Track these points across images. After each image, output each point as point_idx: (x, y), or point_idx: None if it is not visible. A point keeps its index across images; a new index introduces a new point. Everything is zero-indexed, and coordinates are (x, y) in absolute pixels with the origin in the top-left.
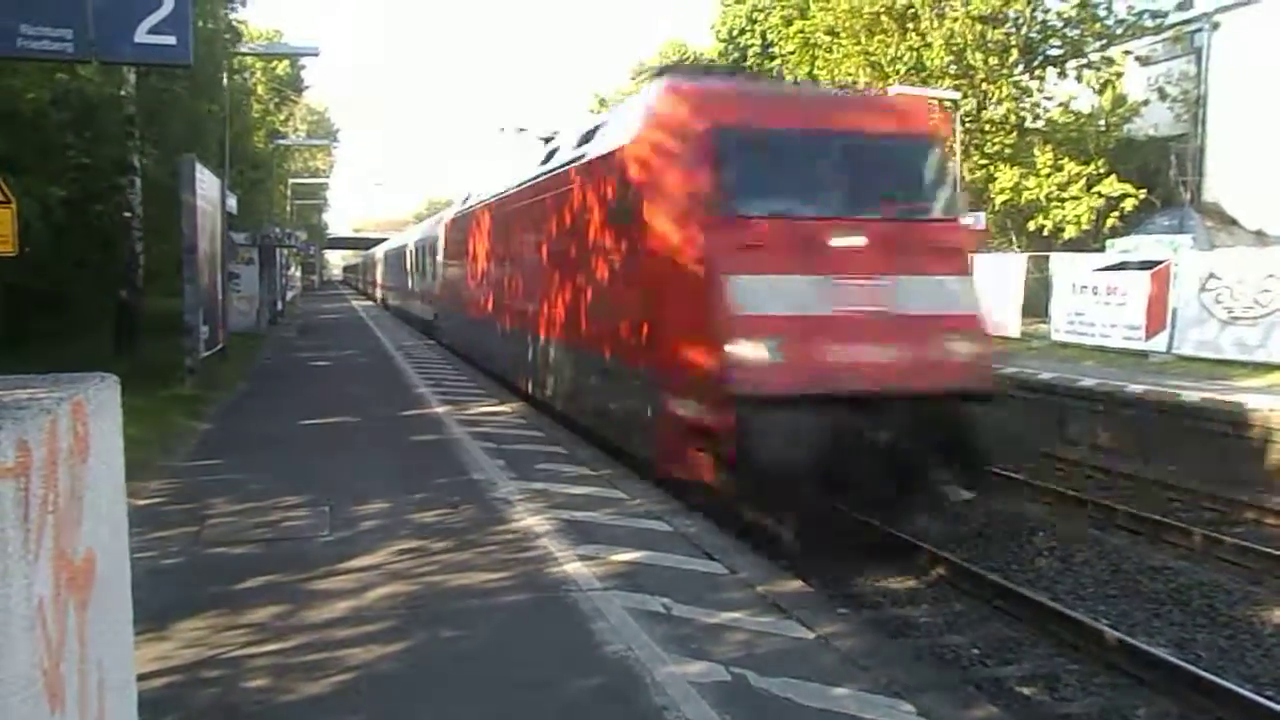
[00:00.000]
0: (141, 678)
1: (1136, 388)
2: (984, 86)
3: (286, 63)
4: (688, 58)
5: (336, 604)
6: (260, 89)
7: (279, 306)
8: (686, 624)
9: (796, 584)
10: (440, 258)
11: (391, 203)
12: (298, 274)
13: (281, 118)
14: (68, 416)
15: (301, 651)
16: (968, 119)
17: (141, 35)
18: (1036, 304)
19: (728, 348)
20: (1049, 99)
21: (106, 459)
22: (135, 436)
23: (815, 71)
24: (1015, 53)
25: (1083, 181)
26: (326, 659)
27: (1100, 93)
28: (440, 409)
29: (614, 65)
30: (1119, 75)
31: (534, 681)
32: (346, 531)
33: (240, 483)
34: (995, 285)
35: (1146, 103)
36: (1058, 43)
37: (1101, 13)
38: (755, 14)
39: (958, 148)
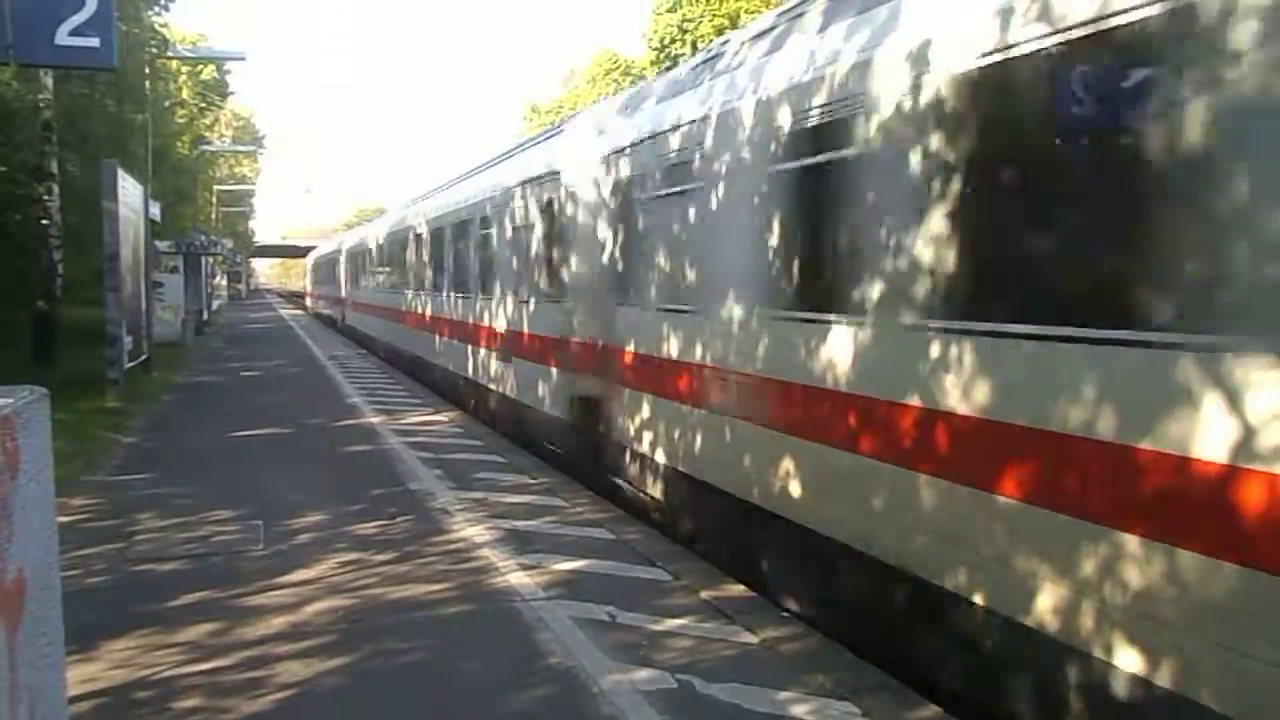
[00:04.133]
0: (69, 701)
1: None
2: None
3: (212, 67)
4: (619, 66)
5: (273, 619)
6: (185, 94)
7: (205, 316)
8: (631, 631)
9: (739, 589)
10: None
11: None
12: (224, 283)
13: (207, 123)
14: None
15: (238, 669)
16: None
17: (63, 37)
18: None
19: None
20: None
21: (36, 475)
22: (57, 450)
23: None
24: None
25: None
26: (264, 676)
27: None
28: (375, 419)
29: (546, 74)
30: None
31: (479, 694)
32: (281, 545)
33: (168, 497)
34: None
35: None
36: None
37: None
38: (686, 24)
39: None
